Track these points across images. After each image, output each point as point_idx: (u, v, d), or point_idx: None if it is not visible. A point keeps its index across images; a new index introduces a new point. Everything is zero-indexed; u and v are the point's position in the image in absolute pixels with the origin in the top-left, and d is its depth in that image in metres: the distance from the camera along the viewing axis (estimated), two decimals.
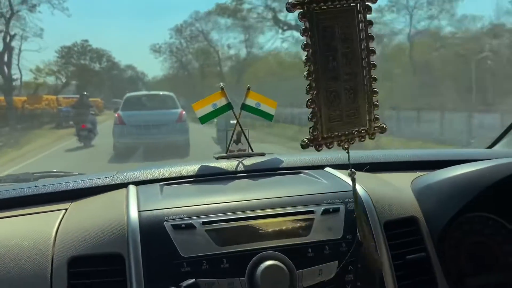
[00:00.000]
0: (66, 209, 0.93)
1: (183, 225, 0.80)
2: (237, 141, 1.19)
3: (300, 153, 1.22)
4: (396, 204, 0.93)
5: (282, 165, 1.11)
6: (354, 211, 0.84)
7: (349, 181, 0.96)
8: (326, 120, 0.75)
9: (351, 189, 0.93)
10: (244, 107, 1.18)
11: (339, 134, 0.77)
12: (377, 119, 0.79)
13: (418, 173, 1.10)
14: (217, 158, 1.14)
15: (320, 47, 0.72)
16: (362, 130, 0.78)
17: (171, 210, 0.83)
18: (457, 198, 0.94)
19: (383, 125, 0.79)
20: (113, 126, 9.17)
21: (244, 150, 1.17)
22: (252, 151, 1.17)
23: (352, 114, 0.77)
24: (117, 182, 1.01)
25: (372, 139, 0.80)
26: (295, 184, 1.01)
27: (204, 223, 0.81)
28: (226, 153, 1.15)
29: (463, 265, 0.97)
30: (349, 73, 0.75)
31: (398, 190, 1.00)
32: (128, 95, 10.71)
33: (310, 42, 0.72)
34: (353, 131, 0.77)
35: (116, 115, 9.32)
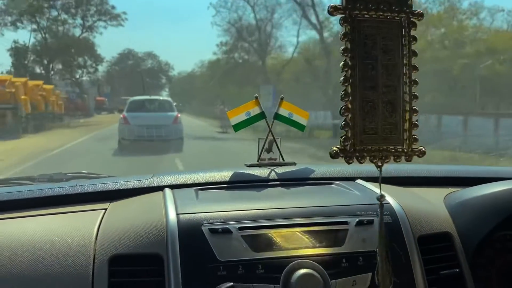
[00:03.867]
0: (105, 209, 0.96)
1: (220, 230, 0.82)
2: (269, 150, 1.20)
3: (331, 165, 1.23)
4: (430, 219, 0.93)
5: (314, 175, 1.13)
6: (378, 242, 0.76)
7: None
8: (360, 131, 0.71)
9: (384, 202, 0.93)
10: (277, 116, 1.20)
11: (373, 148, 0.72)
12: (416, 140, 0.73)
13: (451, 189, 1.10)
14: (249, 166, 1.16)
15: (360, 54, 0.70)
16: (398, 149, 0.73)
17: (208, 214, 0.85)
18: (492, 216, 0.94)
19: (422, 148, 0.73)
20: (118, 125, 10.74)
21: (275, 159, 1.19)
22: (283, 160, 1.19)
23: (388, 130, 0.72)
24: (153, 185, 1.04)
25: (409, 161, 0.74)
26: (327, 194, 1.02)
27: (240, 228, 0.83)
28: (258, 161, 1.17)
29: (494, 284, 0.96)
30: (388, 86, 0.72)
31: (431, 205, 1.00)
32: (132, 99, 12.43)
33: (349, 47, 0.70)
34: (389, 148, 0.72)
35: (122, 116, 10.77)
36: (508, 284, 0.96)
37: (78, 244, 0.84)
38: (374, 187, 1.02)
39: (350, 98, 0.70)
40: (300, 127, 1.21)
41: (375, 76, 0.71)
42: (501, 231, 0.99)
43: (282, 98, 1.20)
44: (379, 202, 0.93)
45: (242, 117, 1.18)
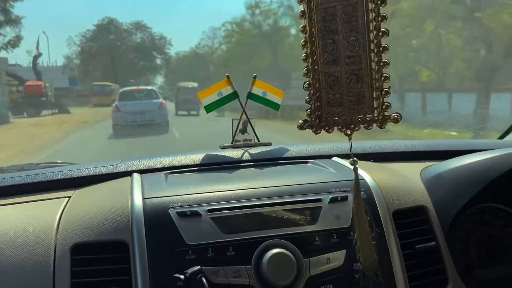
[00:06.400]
0: (69, 197, 0.92)
1: (188, 213, 0.79)
2: (243, 131, 1.17)
3: (307, 143, 1.20)
4: (405, 193, 0.91)
5: (289, 154, 1.10)
6: (354, 201, 0.79)
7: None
8: (325, 104, 0.73)
9: (359, 175, 0.91)
10: (250, 96, 1.16)
11: (339, 119, 0.74)
12: (387, 107, 0.73)
13: (428, 163, 1.08)
14: (223, 148, 1.12)
15: (319, 30, 0.71)
16: (367, 117, 0.74)
17: (176, 198, 0.82)
18: (468, 187, 0.92)
19: (395, 114, 0.72)
20: (112, 113, 12.02)
21: (250, 140, 1.16)
22: (258, 140, 1.16)
23: (355, 100, 0.74)
24: (121, 170, 1.00)
25: (382, 128, 0.74)
26: (302, 173, 0.99)
27: (209, 210, 0.80)
28: (232, 142, 1.13)
29: (472, 257, 0.95)
30: (351, 57, 0.73)
31: (407, 179, 0.98)
32: (122, 90, 13.98)
33: (307, 25, 0.71)
34: (357, 118, 0.74)
35: (114, 105, 12.25)
36: (486, 256, 0.95)
37: (38, 234, 0.80)
38: (349, 164, 1.00)
39: (312, 74, 0.73)
40: (275, 106, 1.18)
41: (336, 50, 0.73)
42: (479, 203, 0.98)
43: (255, 77, 1.17)
44: (353, 177, 0.91)
45: (214, 97, 1.13)
